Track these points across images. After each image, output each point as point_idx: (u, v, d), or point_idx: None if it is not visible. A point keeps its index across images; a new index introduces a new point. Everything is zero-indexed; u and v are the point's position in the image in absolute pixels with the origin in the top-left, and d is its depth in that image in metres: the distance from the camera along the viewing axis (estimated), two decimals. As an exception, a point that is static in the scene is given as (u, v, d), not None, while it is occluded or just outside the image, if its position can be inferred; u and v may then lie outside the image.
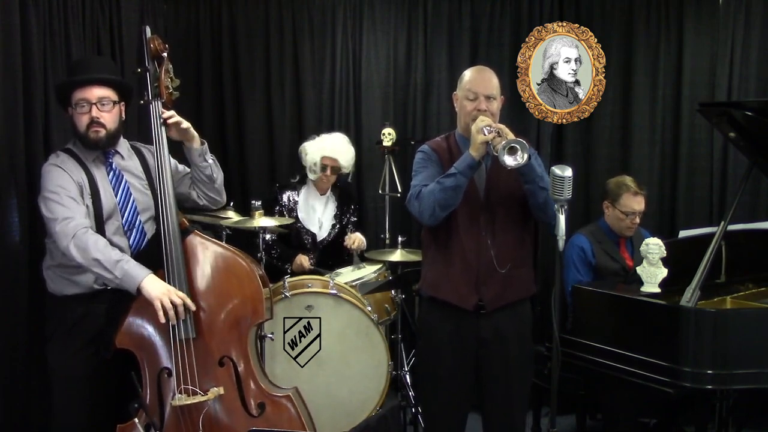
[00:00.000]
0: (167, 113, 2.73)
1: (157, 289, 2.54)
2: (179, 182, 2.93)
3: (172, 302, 2.52)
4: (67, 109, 2.76)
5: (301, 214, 3.96)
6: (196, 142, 2.83)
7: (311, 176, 3.94)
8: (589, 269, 3.67)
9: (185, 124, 2.77)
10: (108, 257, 2.56)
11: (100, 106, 2.71)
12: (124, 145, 2.88)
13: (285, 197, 3.97)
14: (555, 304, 2.60)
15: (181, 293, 2.56)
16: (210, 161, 2.88)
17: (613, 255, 3.71)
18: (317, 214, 4.00)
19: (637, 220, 3.69)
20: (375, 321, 3.50)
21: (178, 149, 2.88)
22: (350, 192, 4.22)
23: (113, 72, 2.88)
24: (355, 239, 3.94)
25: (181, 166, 2.96)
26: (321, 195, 4.02)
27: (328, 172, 3.90)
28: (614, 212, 3.71)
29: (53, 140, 3.18)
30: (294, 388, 2.81)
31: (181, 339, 2.59)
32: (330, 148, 3.90)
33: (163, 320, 2.53)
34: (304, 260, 3.86)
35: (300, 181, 4.05)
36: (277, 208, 3.95)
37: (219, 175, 2.95)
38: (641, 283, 3.14)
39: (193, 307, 2.58)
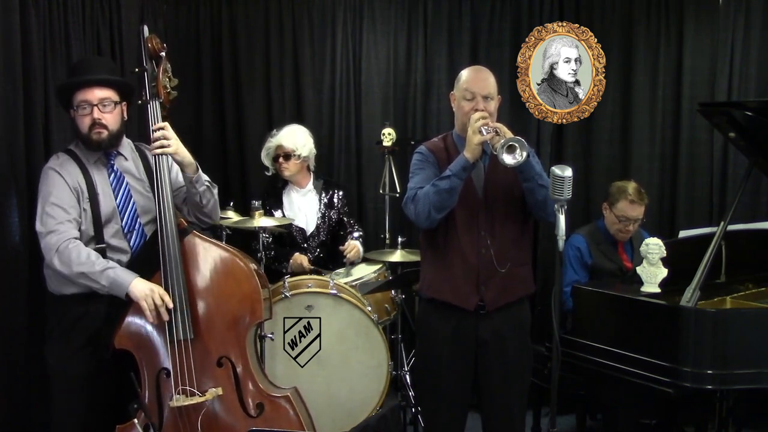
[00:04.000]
0: (155, 135, 2.66)
1: (141, 290, 2.56)
2: (175, 193, 2.90)
3: (154, 301, 2.54)
4: (69, 110, 2.76)
5: (288, 214, 3.95)
6: (189, 169, 2.77)
7: (272, 170, 3.97)
8: (585, 269, 3.67)
9: (170, 150, 2.67)
10: (91, 269, 2.57)
11: (102, 107, 2.71)
12: (127, 145, 2.88)
13: (271, 208, 3.94)
14: (555, 304, 2.60)
15: (162, 292, 2.57)
16: (201, 189, 2.81)
17: (610, 256, 3.71)
18: (302, 211, 3.99)
19: (631, 227, 3.67)
20: (375, 321, 3.50)
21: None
22: (334, 181, 4.20)
23: (114, 72, 2.87)
24: (352, 248, 3.88)
25: (181, 176, 2.93)
26: (302, 189, 4.00)
27: (281, 160, 3.90)
28: (610, 215, 3.71)
29: (53, 140, 3.18)
30: (293, 388, 2.81)
31: (179, 339, 2.60)
32: (275, 139, 3.93)
33: (151, 320, 2.54)
34: (303, 260, 3.83)
35: (283, 184, 4.03)
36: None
37: (210, 201, 2.88)
38: (641, 283, 3.13)
39: (170, 305, 2.58)
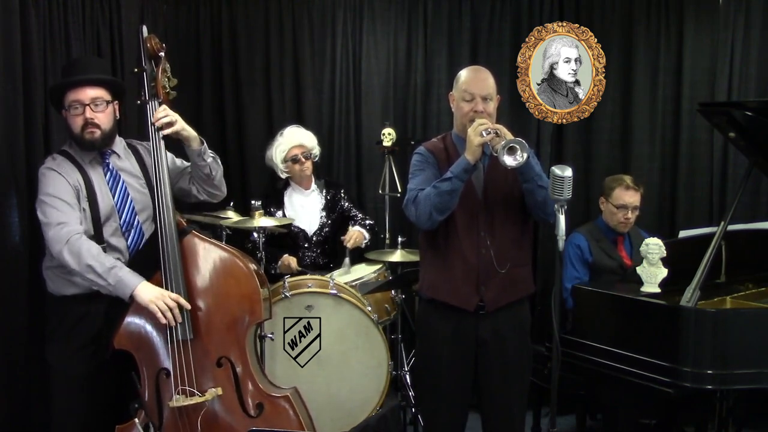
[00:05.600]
0: (158, 115, 2.68)
1: (150, 293, 2.55)
2: (178, 177, 2.93)
3: (166, 305, 2.54)
4: (61, 111, 2.76)
5: (290, 215, 3.95)
6: (195, 143, 2.81)
7: (286, 174, 3.95)
8: (585, 267, 3.69)
9: (178, 126, 2.72)
10: (101, 264, 2.56)
11: (94, 107, 2.71)
12: (120, 144, 2.88)
13: (272, 210, 3.94)
14: (555, 304, 2.59)
15: (173, 295, 2.57)
16: (209, 160, 2.86)
17: (610, 253, 3.72)
18: (305, 210, 3.99)
19: (630, 214, 3.71)
20: (375, 321, 3.50)
21: (177, 143, 2.87)
22: (334, 181, 4.23)
23: (105, 71, 2.88)
24: (352, 236, 3.87)
25: (179, 161, 2.95)
26: (306, 190, 4.01)
27: (302, 159, 3.91)
28: (608, 207, 3.75)
29: (53, 140, 3.18)
30: (293, 388, 2.81)
31: (179, 340, 2.59)
32: (291, 139, 3.93)
33: (163, 321, 2.54)
34: (291, 261, 3.81)
35: (285, 185, 4.03)
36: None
37: (218, 171, 2.93)
38: (641, 283, 3.13)
39: (188, 306, 2.58)
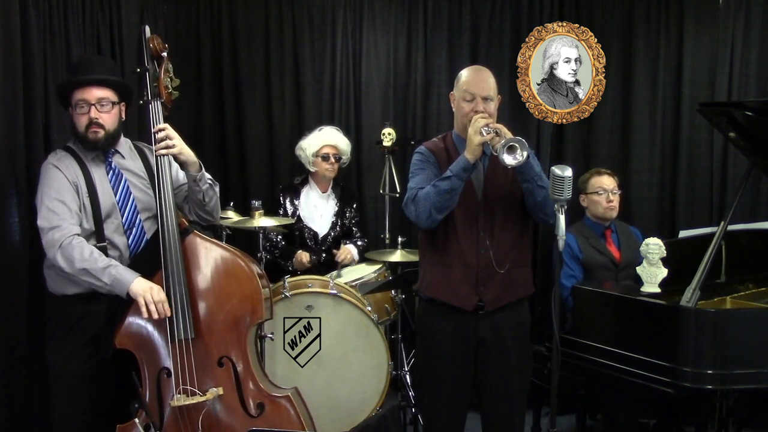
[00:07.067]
0: (159, 140, 2.66)
1: (140, 287, 2.56)
2: (175, 191, 2.91)
3: (153, 298, 2.54)
4: (68, 108, 2.77)
5: (303, 213, 3.99)
6: (193, 168, 2.78)
7: (312, 168, 4.01)
8: (577, 263, 3.69)
9: (175, 150, 2.68)
10: (94, 266, 2.57)
11: (99, 107, 2.71)
12: (125, 144, 2.88)
13: (287, 203, 4.00)
14: (555, 304, 2.60)
15: (163, 296, 2.57)
16: (204, 187, 2.83)
17: (600, 249, 3.72)
18: (318, 211, 4.04)
19: (612, 197, 3.71)
20: (375, 321, 3.50)
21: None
22: (352, 191, 4.29)
23: (113, 72, 2.87)
24: (345, 254, 3.94)
25: (182, 173, 2.94)
26: (323, 193, 4.06)
27: (332, 159, 3.97)
28: (589, 198, 3.76)
29: (53, 140, 3.18)
30: (294, 388, 2.81)
31: (180, 339, 2.60)
32: (327, 137, 4.00)
33: (146, 315, 2.54)
34: (304, 257, 3.87)
35: (302, 182, 4.07)
36: (281, 211, 3.98)
37: (212, 198, 2.90)
38: (641, 283, 3.14)
39: (168, 313, 2.58)
